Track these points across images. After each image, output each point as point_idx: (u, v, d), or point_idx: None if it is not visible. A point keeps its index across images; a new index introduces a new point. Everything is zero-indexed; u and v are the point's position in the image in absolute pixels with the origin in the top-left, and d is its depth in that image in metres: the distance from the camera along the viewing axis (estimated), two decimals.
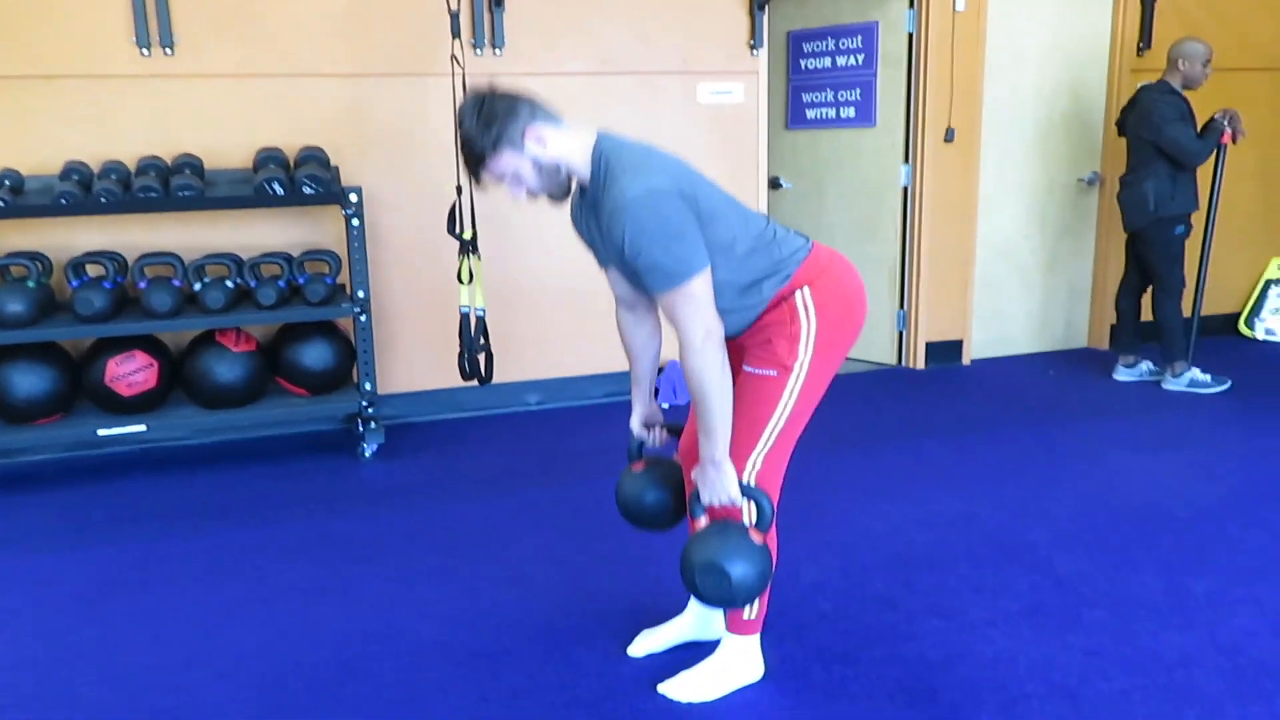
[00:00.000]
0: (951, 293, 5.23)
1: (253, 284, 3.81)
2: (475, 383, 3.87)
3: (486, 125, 1.99)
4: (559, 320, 4.57)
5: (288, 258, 3.88)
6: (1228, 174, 4.78)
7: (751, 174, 4.80)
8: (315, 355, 3.95)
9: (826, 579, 2.82)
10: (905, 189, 5.15)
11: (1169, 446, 3.94)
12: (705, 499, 2.09)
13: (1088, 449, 3.93)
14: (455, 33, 3.66)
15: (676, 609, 2.60)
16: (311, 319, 3.90)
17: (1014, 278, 5.44)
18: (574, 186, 2.14)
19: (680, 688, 2.27)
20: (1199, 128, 4.57)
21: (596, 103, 4.47)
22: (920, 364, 5.26)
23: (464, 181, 3.77)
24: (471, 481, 3.71)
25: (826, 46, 5.26)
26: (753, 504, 2.09)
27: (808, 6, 5.29)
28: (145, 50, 3.87)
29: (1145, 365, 4.90)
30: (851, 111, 5.24)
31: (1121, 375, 4.93)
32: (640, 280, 2.02)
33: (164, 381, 3.81)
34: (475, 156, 2.02)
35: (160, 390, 3.81)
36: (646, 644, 2.46)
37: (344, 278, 4.09)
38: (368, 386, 4.04)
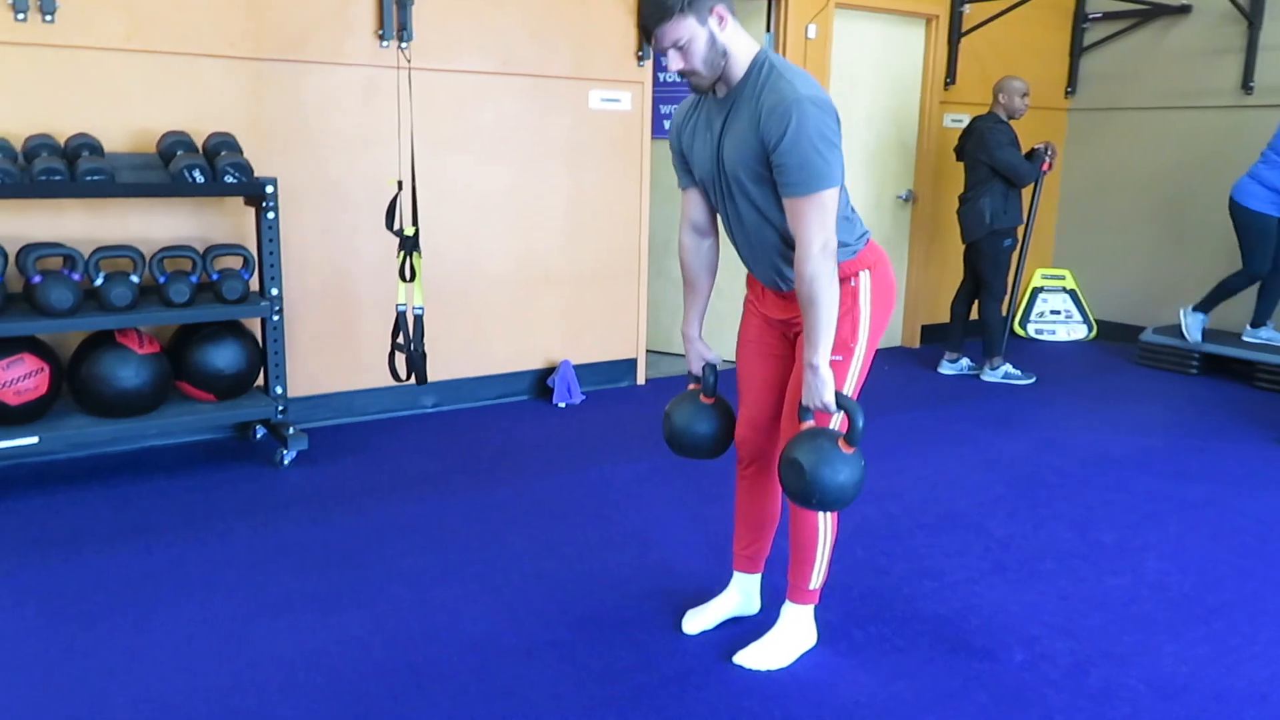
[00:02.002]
0: None
1: (161, 279, 3.49)
2: (413, 382, 3.77)
3: None
4: (446, 324, 4.52)
5: (195, 252, 3.60)
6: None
7: (636, 180, 5.00)
8: (226, 357, 3.68)
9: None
10: None
11: (1013, 426, 4.57)
12: (805, 401, 2.19)
13: (954, 430, 4.48)
14: (404, 25, 3.55)
15: (691, 586, 2.78)
16: (225, 318, 3.64)
17: None
18: (702, 97, 2.22)
19: (755, 657, 2.43)
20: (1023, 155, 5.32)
21: (496, 102, 4.48)
22: None
23: (404, 176, 3.68)
24: (410, 483, 3.63)
25: None
26: (847, 414, 2.17)
27: None
28: (21, 15, 3.43)
29: (965, 361, 5.61)
30: None
31: (946, 369, 5.61)
32: (782, 177, 2.06)
33: (54, 388, 3.41)
34: (661, 10, 2.05)
35: (50, 398, 3.40)
36: (699, 622, 2.59)
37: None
38: (279, 390, 3.83)
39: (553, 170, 4.72)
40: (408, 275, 3.64)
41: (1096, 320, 6.66)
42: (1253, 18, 5.67)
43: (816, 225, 2.07)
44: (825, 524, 2.40)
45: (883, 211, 6.05)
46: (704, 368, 2.51)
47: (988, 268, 5.35)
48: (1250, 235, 5.24)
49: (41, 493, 3.42)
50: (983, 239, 5.32)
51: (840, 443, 2.15)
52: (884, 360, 5.92)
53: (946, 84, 6.01)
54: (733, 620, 2.63)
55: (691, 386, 2.56)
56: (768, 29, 5.36)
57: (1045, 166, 5.34)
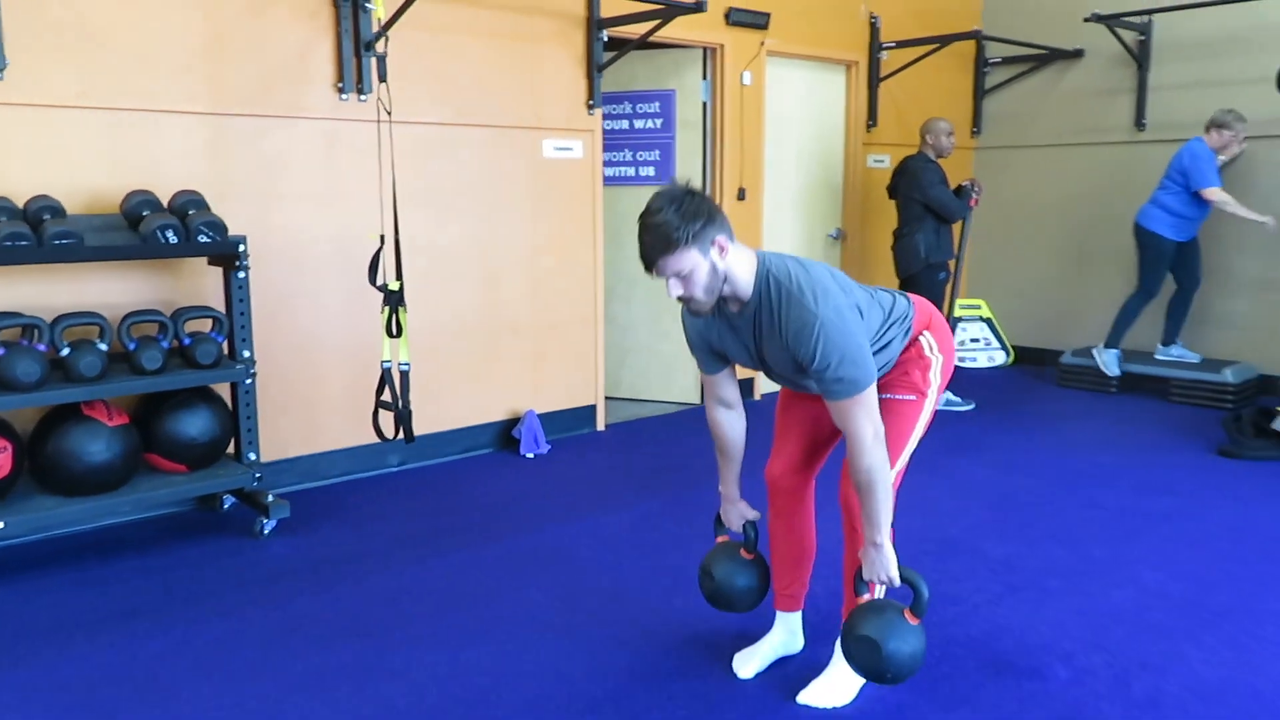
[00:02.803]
0: None
1: (131, 346, 3.30)
2: (404, 440, 3.65)
3: (688, 220, 2.09)
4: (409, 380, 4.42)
5: (163, 316, 3.41)
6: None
7: (589, 227, 5.01)
8: (199, 425, 3.49)
9: (827, 585, 3.09)
10: None
11: (971, 451, 4.74)
12: (867, 576, 2.28)
13: (919, 457, 4.59)
14: (383, 76, 3.49)
15: (726, 629, 2.77)
16: (199, 384, 3.46)
17: None
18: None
19: (820, 695, 2.44)
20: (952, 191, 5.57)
21: (453, 153, 4.44)
22: None
23: (383, 230, 3.60)
24: (404, 545, 3.50)
25: (624, 110, 5.63)
26: (911, 586, 2.26)
27: (605, 72, 5.62)
28: None
29: None
30: (651, 170, 5.65)
31: None
32: (821, 386, 2.18)
33: (17, 467, 3.17)
34: (666, 244, 2.09)
35: (13, 478, 3.16)
36: (751, 665, 2.59)
37: None
38: (252, 456, 3.66)
39: (509, 220, 4.69)
40: (394, 330, 3.54)
41: (1013, 346, 6.99)
42: (1141, 61, 6.13)
43: (864, 419, 2.17)
44: None
45: (814, 249, 6.23)
46: (745, 525, 2.59)
47: (924, 299, 5.56)
48: (1149, 255, 5.63)
49: (7, 582, 3.15)
50: (919, 272, 5.53)
51: (906, 613, 2.25)
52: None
53: (869, 126, 6.27)
54: (780, 660, 2.64)
55: (720, 539, 2.65)
56: (704, 76, 5.49)
57: (973, 202, 5.62)
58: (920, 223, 5.48)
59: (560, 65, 4.77)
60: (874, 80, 6.19)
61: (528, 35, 4.62)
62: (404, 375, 3.60)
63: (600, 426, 5.21)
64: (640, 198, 5.62)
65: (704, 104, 5.52)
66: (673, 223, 2.08)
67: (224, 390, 3.74)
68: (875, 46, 6.14)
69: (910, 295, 2.55)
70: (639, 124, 5.63)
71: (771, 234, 5.91)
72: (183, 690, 2.50)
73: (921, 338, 2.44)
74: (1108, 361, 5.90)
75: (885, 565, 2.25)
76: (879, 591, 2.33)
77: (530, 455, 4.68)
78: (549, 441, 4.81)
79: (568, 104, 4.83)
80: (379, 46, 3.48)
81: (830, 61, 6.07)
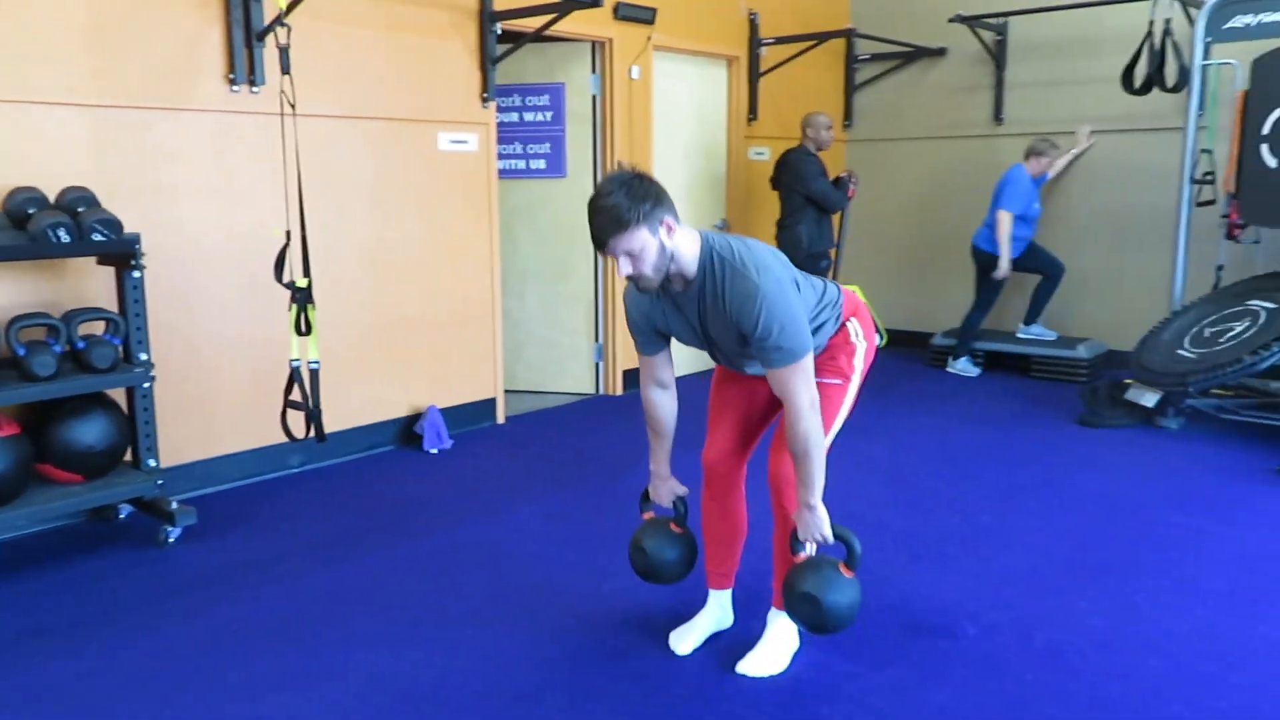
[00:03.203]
0: None
1: (20, 351, 3.13)
2: (315, 439, 3.58)
3: (638, 201, 2.20)
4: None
5: (52, 318, 3.25)
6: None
7: (485, 220, 5.00)
8: (95, 432, 3.35)
9: (749, 563, 3.23)
10: None
11: (861, 430, 4.93)
12: (802, 536, 2.41)
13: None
14: (285, 68, 3.40)
15: (659, 609, 2.87)
16: (96, 389, 3.31)
17: None
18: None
19: (757, 664, 2.56)
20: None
21: (348, 146, 4.36)
22: (619, 390, 5.84)
23: (293, 226, 3.52)
24: (319, 547, 3.45)
25: (514, 103, 5.64)
26: (844, 543, 2.41)
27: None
28: None
29: None
30: (542, 163, 5.68)
31: None
32: (762, 356, 2.29)
33: None
34: (616, 225, 2.19)
35: None
36: (688, 641, 2.69)
37: None
38: (152, 463, 3.53)
39: (406, 214, 4.64)
40: (303, 328, 3.47)
41: (886, 329, 7.34)
42: (999, 60, 6.54)
43: (801, 387, 2.30)
44: None
45: None
46: (675, 501, 2.70)
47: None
48: (984, 274, 6.06)
49: None
50: (801, 261, 5.73)
51: (841, 567, 2.38)
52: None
53: (749, 120, 6.46)
54: (714, 635, 2.75)
55: (647, 516, 2.74)
56: (593, 70, 5.55)
57: (851, 193, 5.88)
58: (802, 213, 5.70)
59: (454, 57, 4.74)
60: (754, 75, 6.39)
61: (421, 27, 4.57)
62: (314, 374, 3.53)
63: (500, 420, 5.22)
64: (532, 190, 5.71)
65: (593, 97, 5.58)
66: (623, 204, 2.18)
67: (118, 395, 3.59)
68: (755, 42, 6.33)
69: (842, 287, 2.69)
70: (529, 117, 5.65)
71: None
72: (115, 710, 2.41)
73: (849, 324, 2.58)
74: (964, 368, 6.30)
75: (819, 524, 2.39)
76: (811, 549, 2.45)
77: (434, 451, 4.66)
78: (451, 436, 4.79)
79: (462, 96, 4.81)
80: (281, 37, 3.39)
81: (713, 56, 6.23)
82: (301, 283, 3.46)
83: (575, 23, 5.07)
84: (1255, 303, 4.91)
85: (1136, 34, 5.66)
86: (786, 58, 6.40)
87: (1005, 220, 5.86)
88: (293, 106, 3.46)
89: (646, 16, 5.62)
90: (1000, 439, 4.80)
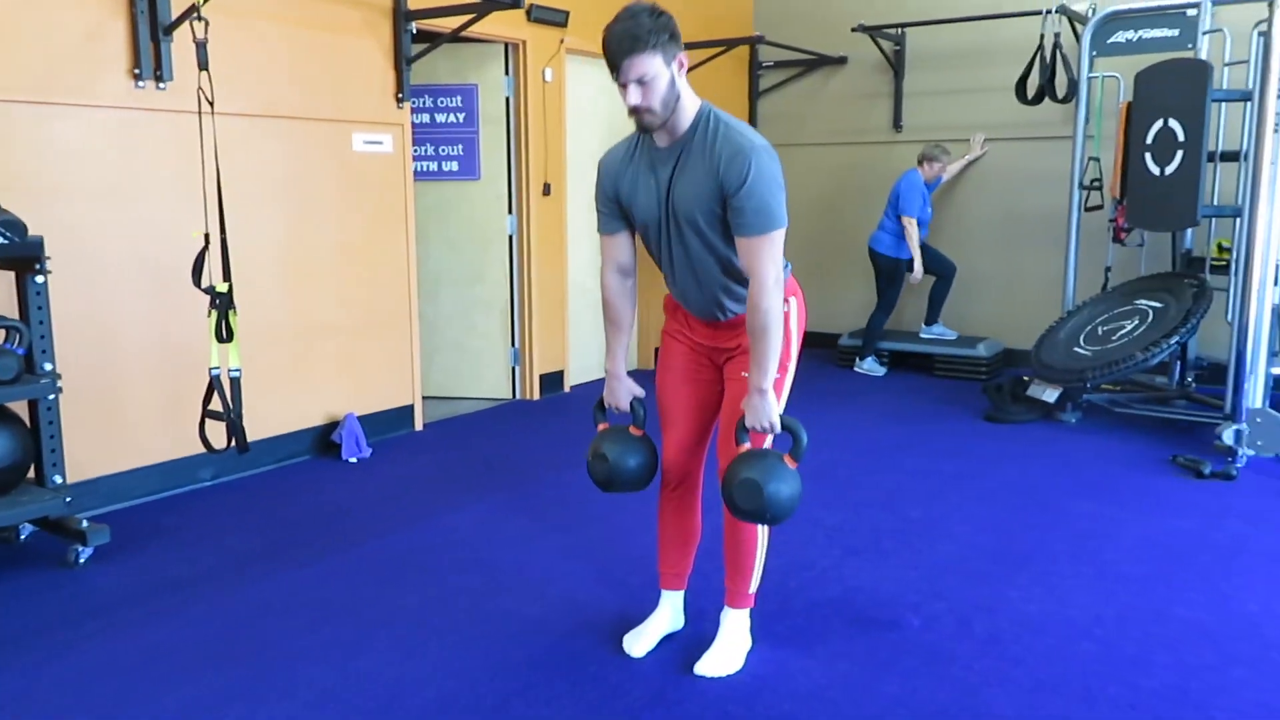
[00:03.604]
0: (553, 328, 5.87)
1: None
2: (237, 450, 3.43)
3: (659, 30, 2.19)
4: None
5: None
6: None
7: (401, 224, 4.89)
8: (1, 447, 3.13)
9: (698, 566, 3.25)
10: (511, 237, 5.65)
11: (810, 431, 5.07)
12: (750, 423, 2.37)
13: None
14: (203, 64, 3.25)
15: (608, 611, 2.86)
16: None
17: (587, 313, 6.26)
18: (639, 139, 2.37)
19: (714, 665, 2.57)
20: None
21: (260, 145, 4.20)
22: (536, 395, 5.79)
23: (210, 228, 3.36)
24: (244, 563, 3.31)
25: (426, 104, 5.53)
26: (790, 433, 2.38)
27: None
28: None
29: None
30: (455, 165, 5.59)
31: None
32: (740, 218, 2.24)
33: None
34: (635, 42, 2.16)
35: None
36: (642, 644, 2.68)
37: None
38: (58, 480, 3.33)
39: (319, 216, 4.50)
40: (224, 335, 3.33)
41: None
42: (897, 69, 6.76)
43: (769, 260, 2.28)
44: (763, 532, 2.61)
45: None
46: (633, 402, 2.62)
47: None
48: (884, 275, 6.26)
49: None
50: None
51: (786, 459, 2.37)
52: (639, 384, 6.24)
53: None
54: (667, 637, 2.76)
55: (601, 427, 2.65)
56: (506, 72, 5.49)
57: None
58: None
59: (368, 56, 4.62)
60: None
61: (334, 25, 4.44)
62: (235, 382, 3.39)
63: (418, 426, 5.11)
64: (444, 193, 5.61)
65: (507, 99, 5.53)
66: (645, 24, 2.17)
67: (19, 407, 3.37)
68: None
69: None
70: (441, 118, 5.55)
71: (574, 229, 6.01)
72: None
73: (789, 302, 2.50)
74: (870, 368, 6.49)
75: (768, 411, 2.35)
76: (768, 442, 2.43)
77: (353, 459, 4.53)
78: (369, 444, 4.66)
79: (376, 96, 4.69)
80: (198, 32, 3.24)
81: None
82: (221, 287, 3.32)
83: (489, 24, 5.01)
84: (1143, 302, 5.21)
85: (1027, 46, 5.95)
86: (695, 63, 6.45)
87: (911, 226, 6.06)
88: (211, 104, 3.31)
89: (559, 19, 5.59)
90: (914, 435, 4.96)
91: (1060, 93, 5.77)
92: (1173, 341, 4.75)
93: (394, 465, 4.48)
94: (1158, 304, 5.10)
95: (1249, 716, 2.36)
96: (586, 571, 3.22)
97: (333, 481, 4.23)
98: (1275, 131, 4.44)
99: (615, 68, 2.20)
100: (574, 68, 5.86)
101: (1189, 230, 5.49)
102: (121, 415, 3.84)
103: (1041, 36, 5.73)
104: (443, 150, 5.58)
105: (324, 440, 4.61)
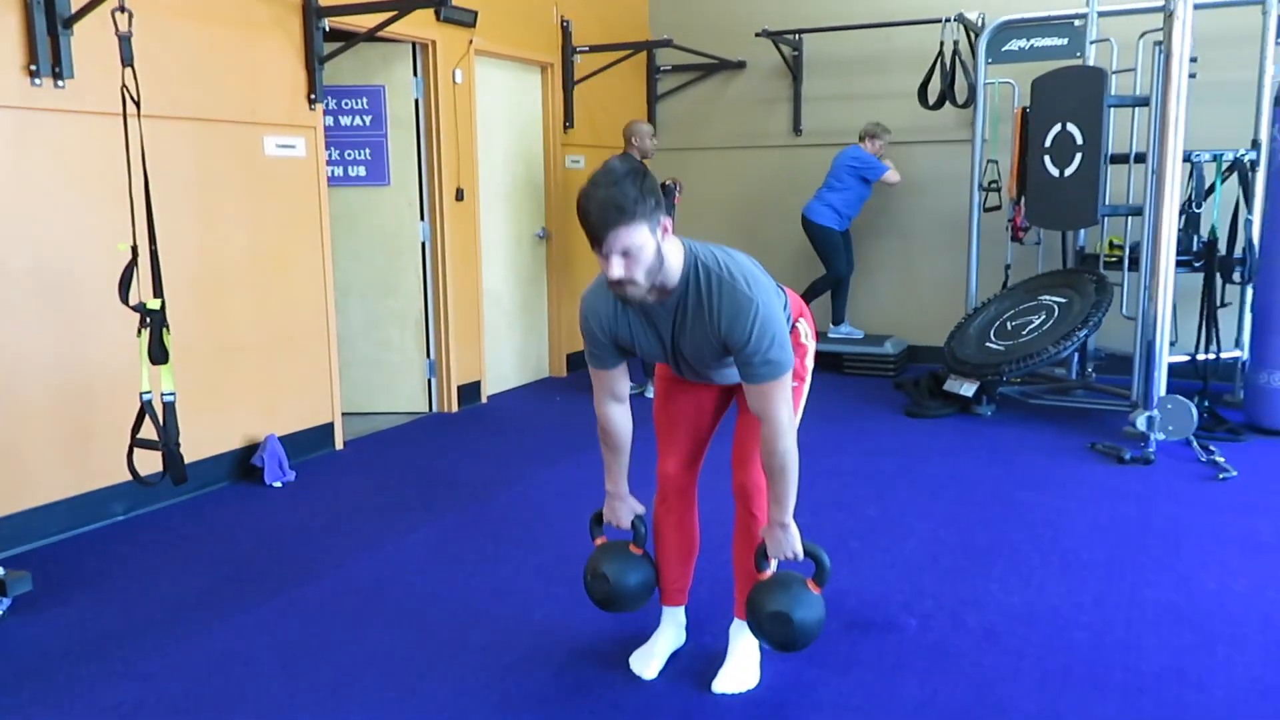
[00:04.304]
0: (469, 338, 5.67)
1: None
2: (172, 480, 3.13)
3: (645, 195, 2.05)
4: (121, 412, 3.81)
5: None
6: None
7: (315, 232, 4.61)
8: None
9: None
10: (424, 244, 5.43)
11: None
12: (772, 555, 2.37)
13: None
14: (127, 59, 2.94)
15: (603, 633, 2.77)
16: None
17: (501, 321, 6.10)
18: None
19: (732, 682, 2.51)
20: None
21: (167, 149, 3.87)
22: (454, 407, 5.58)
23: (140, 241, 3.05)
24: (192, 605, 3.03)
25: (329, 106, 5.24)
26: (813, 559, 2.39)
27: None
28: None
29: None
30: (362, 170, 5.32)
31: None
32: (749, 370, 2.20)
33: None
34: (620, 215, 2.02)
35: None
36: (653, 665, 2.59)
37: None
38: None
39: (230, 225, 4.19)
40: (158, 356, 3.03)
41: None
42: (796, 73, 6.87)
43: (782, 403, 2.24)
44: None
45: (522, 248, 6.24)
46: (634, 520, 2.58)
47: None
48: (825, 246, 6.36)
49: None
50: None
51: (809, 584, 2.38)
52: (554, 392, 6.12)
53: (566, 127, 6.39)
54: (674, 654, 2.67)
55: (599, 541, 2.62)
56: (415, 73, 5.27)
57: (676, 200, 5.96)
58: None
59: (278, 55, 4.34)
60: (569, 83, 6.33)
61: (242, 21, 4.14)
62: (169, 407, 3.10)
63: (339, 445, 4.83)
64: (351, 200, 5.35)
65: (416, 101, 5.30)
66: (631, 194, 2.02)
67: None
68: (569, 50, 6.27)
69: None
70: (345, 121, 5.28)
71: (487, 236, 5.83)
72: None
73: (799, 324, 2.54)
74: (849, 332, 6.56)
75: (791, 542, 2.34)
76: (773, 566, 2.42)
77: (278, 484, 4.23)
78: (291, 466, 4.37)
79: (288, 97, 4.41)
80: (121, 24, 2.94)
81: (529, 63, 6.11)
82: (153, 304, 3.03)
83: (397, 23, 4.78)
84: (1047, 297, 5.45)
85: (923, 53, 6.15)
86: (600, 67, 6.39)
87: (893, 174, 6.15)
88: (137, 104, 3.01)
89: (468, 19, 5.41)
90: (843, 433, 5.03)
91: (960, 98, 5.98)
92: (1082, 334, 4.99)
93: (324, 488, 4.21)
94: (1061, 299, 5.35)
95: (1247, 692, 2.46)
96: (566, 593, 3.10)
97: (261, 509, 3.94)
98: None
99: (597, 240, 2.05)
100: (483, 70, 5.68)
101: (1082, 229, 5.77)
102: (20, 447, 3.46)
103: (941, 44, 5.93)
104: (349, 155, 5.31)
105: (243, 464, 4.29)
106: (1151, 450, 4.47)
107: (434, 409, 5.59)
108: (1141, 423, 4.61)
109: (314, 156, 4.57)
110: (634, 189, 2.03)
